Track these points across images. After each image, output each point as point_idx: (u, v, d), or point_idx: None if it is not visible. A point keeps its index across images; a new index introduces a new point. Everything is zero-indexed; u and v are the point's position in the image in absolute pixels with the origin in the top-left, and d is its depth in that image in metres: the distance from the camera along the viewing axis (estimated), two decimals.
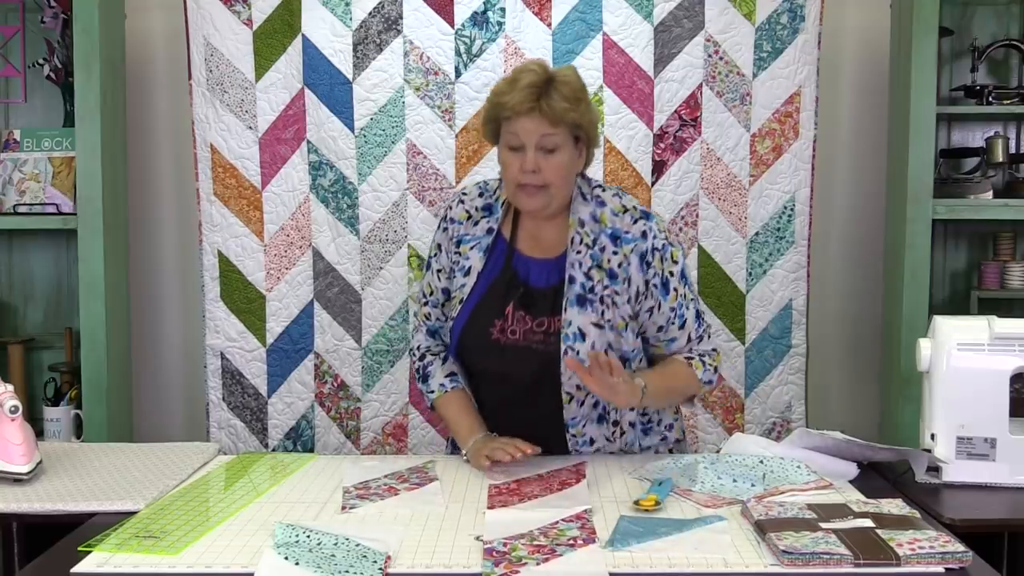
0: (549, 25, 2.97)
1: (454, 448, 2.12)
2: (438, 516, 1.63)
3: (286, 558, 1.41)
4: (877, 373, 3.24)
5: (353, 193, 3.01)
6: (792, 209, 3.01)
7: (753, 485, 1.75)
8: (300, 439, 3.07)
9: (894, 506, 1.61)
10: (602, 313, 1.91)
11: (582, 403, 1.96)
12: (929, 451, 1.87)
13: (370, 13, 2.98)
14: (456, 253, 2.03)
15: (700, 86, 2.98)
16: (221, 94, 3.02)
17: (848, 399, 3.33)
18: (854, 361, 3.33)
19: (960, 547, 1.43)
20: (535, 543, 1.47)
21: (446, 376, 2.06)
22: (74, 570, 1.42)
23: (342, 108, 3.00)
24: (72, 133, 3.02)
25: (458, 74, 2.98)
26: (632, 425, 2.05)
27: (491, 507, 1.66)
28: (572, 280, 1.92)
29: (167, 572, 1.41)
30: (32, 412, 3.10)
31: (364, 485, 1.81)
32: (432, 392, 2.06)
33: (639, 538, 1.50)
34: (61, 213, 3.07)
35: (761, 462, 1.82)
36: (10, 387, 1.86)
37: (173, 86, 3.24)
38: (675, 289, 1.95)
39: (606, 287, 1.92)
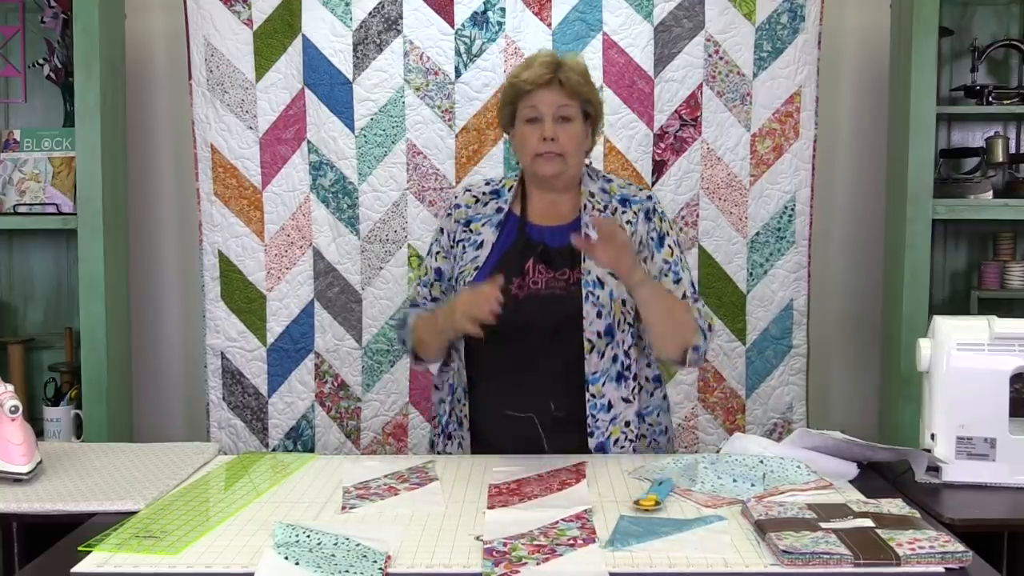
0: (549, 25, 2.97)
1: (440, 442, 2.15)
2: (438, 516, 1.63)
3: (286, 558, 1.41)
4: (877, 373, 3.24)
5: (353, 193, 3.02)
6: (792, 209, 3.01)
7: (753, 485, 1.75)
8: (300, 439, 3.07)
9: (894, 506, 1.61)
10: None
11: (602, 355, 2.01)
12: (929, 451, 1.87)
13: (370, 13, 2.98)
14: (466, 231, 2.11)
15: (700, 86, 2.98)
16: (221, 94, 3.02)
17: (848, 399, 3.32)
18: (854, 361, 3.33)
19: (960, 547, 1.43)
20: (535, 543, 1.47)
21: (423, 310, 2.15)
22: (74, 570, 1.41)
23: (342, 108, 3.00)
24: (72, 133, 3.02)
25: (458, 74, 2.98)
26: (657, 395, 2.13)
27: (491, 507, 1.66)
28: (588, 238, 2.00)
29: (167, 572, 1.41)
30: (32, 412, 3.09)
31: (364, 485, 1.81)
32: (407, 322, 2.14)
33: (639, 538, 1.50)
34: (61, 213, 3.07)
35: (761, 462, 1.82)
36: (10, 387, 1.86)
37: (173, 86, 3.24)
38: (670, 247, 2.09)
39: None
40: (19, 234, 3.27)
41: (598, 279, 2.01)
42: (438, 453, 2.13)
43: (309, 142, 3.03)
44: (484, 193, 2.15)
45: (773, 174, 3.00)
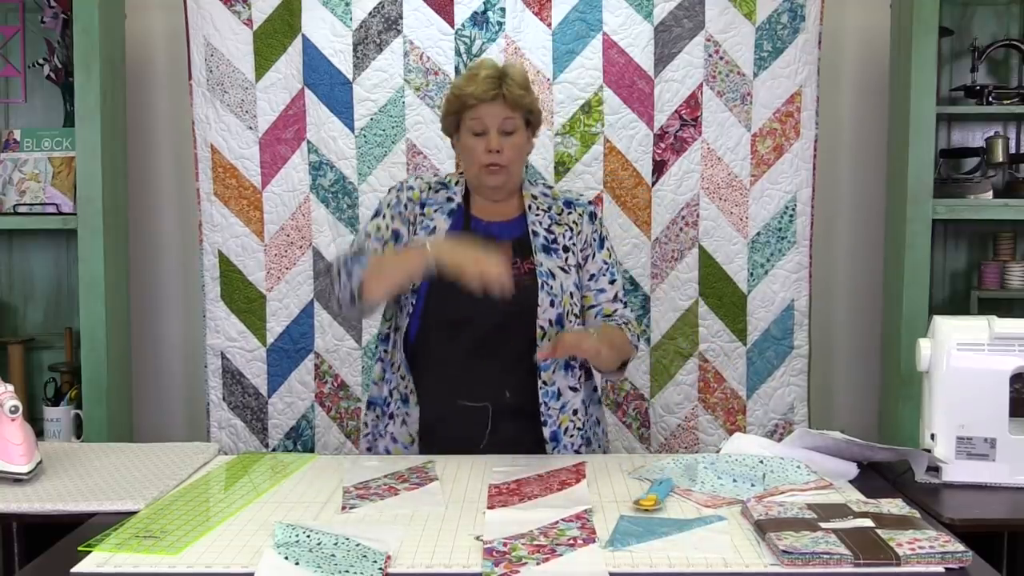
0: (549, 25, 2.97)
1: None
2: (438, 516, 1.63)
3: (286, 558, 1.41)
4: (877, 373, 3.24)
5: (353, 193, 3.02)
6: (793, 209, 3.01)
7: (753, 485, 1.75)
8: (300, 439, 3.07)
9: (894, 506, 1.61)
10: (566, 259, 2.11)
11: (551, 341, 2.05)
12: (929, 451, 1.87)
13: (370, 13, 2.98)
14: (420, 214, 2.13)
15: (700, 86, 2.98)
16: (221, 94, 3.02)
17: (848, 399, 3.32)
18: (854, 361, 3.32)
19: (960, 547, 1.43)
20: (535, 543, 1.47)
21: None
22: (74, 570, 1.41)
23: (342, 108, 3.00)
24: (72, 133, 3.02)
25: (458, 74, 2.98)
26: (587, 387, 2.18)
27: (491, 507, 1.66)
28: (535, 234, 2.11)
29: (167, 572, 1.41)
30: (32, 412, 3.09)
31: (364, 485, 1.81)
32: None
33: (639, 538, 1.50)
34: (61, 213, 3.07)
35: (761, 462, 1.82)
36: (10, 387, 1.86)
37: (173, 86, 3.24)
38: (608, 249, 2.20)
39: (568, 237, 2.14)
40: (19, 234, 3.27)
41: (549, 271, 2.07)
42: (379, 437, 2.13)
43: (309, 142, 3.03)
44: (433, 183, 2.19)
45: (774, 174, 3.00)
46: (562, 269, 2.09)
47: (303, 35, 2.99)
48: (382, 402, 2.15)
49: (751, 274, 3.02)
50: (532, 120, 2.14)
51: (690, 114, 2.99)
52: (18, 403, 1.83)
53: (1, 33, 3.25)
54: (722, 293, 3.03)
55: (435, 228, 2.11)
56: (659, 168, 2.99)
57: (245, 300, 3.06)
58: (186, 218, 3.24)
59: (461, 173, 2.20)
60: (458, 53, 2.98)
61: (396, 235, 2.13)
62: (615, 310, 2.15)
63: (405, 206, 2.14)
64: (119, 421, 3.04)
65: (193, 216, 3.11)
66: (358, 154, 3.00)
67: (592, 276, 2.16)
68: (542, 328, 2.04)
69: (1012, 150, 3.21)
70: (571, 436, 2.08)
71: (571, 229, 2.15)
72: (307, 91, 3.01)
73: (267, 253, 3.06)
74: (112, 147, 3.02)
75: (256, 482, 1.85)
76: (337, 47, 2.99)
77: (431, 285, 2.04)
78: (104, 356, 2.96)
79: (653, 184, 2.99)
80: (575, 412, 2.09)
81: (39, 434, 2.85)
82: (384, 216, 2.15)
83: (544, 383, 2.06)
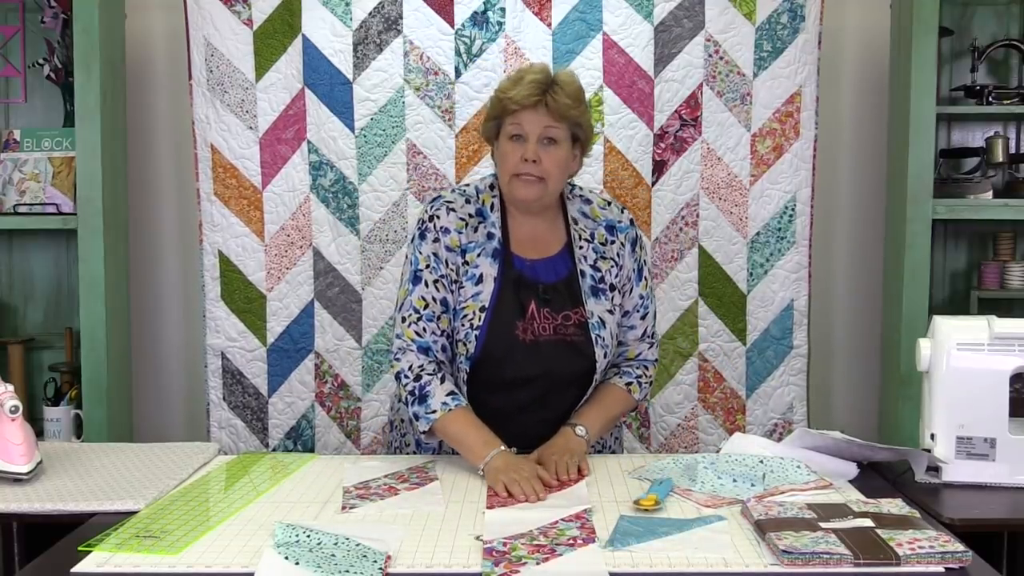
0: (549, 25, 2.97)
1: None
2: (438, 516, 1.63)
3: (286, 558, 1.41)
4: (877, 373, 3.24)
5: (353, 193, 3.02)
6: (793, 209, 3.01)
7: (753, 485, 1.75)
8: (300, 439, 3.07)
9: (894, 506, 1.61)
10: (611, 299, 2.01)
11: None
12: (929, 451, 1.87)
13: (370, 13, 2.98)
14: (463, 263, 1.97)
15: (700, 86, 2.98)
16: (221, 94, 3.02)
17: (848, 399, 3.32)
18: (854, 361, 3.32)
19: (960, 547, 1.43)
20: (535, 543, 1.47)
21: (447, 395, 1.92)
22: (74, 570, 1.42)
23: (342, 108, 3.00)
24: (72, 133, 3.02)
25: (458, 74, 2.98)
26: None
27: (491, 507, 1.66)
28: (583, 274, 1.99)
29: (167, 572, 1.41)
30: (32, 412, 3.09)
31: (364, 485, 1.81)
32: (434, 413, 1.90)
33: (639, 538, 1.50)
34: (61, 213, 3.07)
35: (761, 462, 1.82)
36: (10, 387, 1.86)
37: (173, 86, 3.24)
38: (645, 278, 2.08)
39: (613, 274, 2.02)
40: (19, 234, 3.27)
41: (600, 319, 1.98)
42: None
43: (309, 142, 3.03)
44: (470, 215, 1.99)
45: (773, 174, 3.00)
46: (609, 312, 1.99)
47: (303, 35, 2.99)
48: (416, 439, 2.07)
49: (751, 274, 3.02)
50: (580, 136, 1.98)
51: (690, 114, 2.99)
52: (18, 403, 1.83)
53: (1, 33, 3.25)
54: (722, 293, 3.03)
55: (482, 275, 1.96)
56: (659, 168, 2.99)
57: (245, 300, 3.06)
58: (186, 218, 3.24)
59: (491, 185, 2.04)
60: (458, 53, 2.98)
61: (445, 305, 1.97)
62: (638, 353, 2.08)
63: (446, 262, 1.97)
64: (119, 421, 3.04)
65: (193, 216, 3.11)
66: (358, 154, 3.00)
67: (626, 313, 2.04)
68: (596, 381, 2.01)
69: (1012, 150, 3.21)
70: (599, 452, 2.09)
71: (615, 263, 2.01)
72: (307, 91, 3.01)
73: (267, 253, 3.06)
74: (112, 147, 3.01)
75: (256, 482, 1.85)
76: (337, 47, 2.99)
77: (485, 345, 1.93)
78: (104, 356, 2.96)
79: (653, 184, 2.99)
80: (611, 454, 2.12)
81: (39, 434, 2.85)
82: (427, 284, 1.96)
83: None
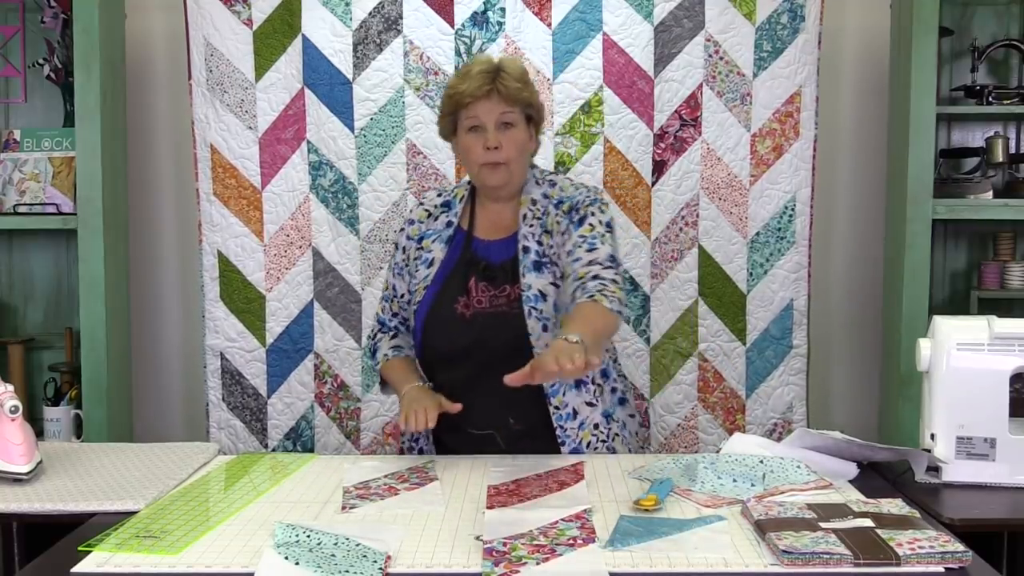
0: (549, 25, 2.97)
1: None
2: (438, 516, 1.63)
3: (286, 558, 1.41)
4: (877, 373, 3.24)
5: (353, 193, 3.01)
6: (793, 209, 3.01)
7: (753, 485, 1.75)
8: (300, 439, 3.07)
9: (894, 506, 1.61)
10: (554, 272, 2.03)
11: None
12: (929, 451, 1.87)
13: (370, 13, 2.98)
14: (418, 249, 2.14)
15: (700, 86, 2.98)
16: (221, 94, 3.02)
17: (848, 399, 3.33)
18: (854, 361, 3.32)
19: (960, 547, 1.43)
20: (535, 543, 1.47)
21: (391, 347, 2.19)
22: (74, 570, 1.41)
23: (342, 108, 3.00)
24: (72, 133, 3.02)
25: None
26: (606, 391, 2.11)
27: (491, 507, 1.66)
28: (526, 250, 2.05)
29: (167, 572, 1.41)
30: (32, 412, 3.09)
31: (364, 485, 1.81)
32: (378, 363, 2.20)
33: (639, 538, 1.50)
34: (61, 213, 3.07)
35: (761, 462, 1.82)
36: (10, 387, 1.86)
37: (173, 86, 3.24)
38: (591, 224, 2.02)
39: (550, 247, 2.05)
40: (19, 234, 3.27)
41: (539, 292, 2.01)
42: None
43: (309, 142, 3.03)
44: (436, 206, 2.18)
45: (773, 174, 3.00)
46: (552, 284, 2.02)
47: (303, 35, 2.99)
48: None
49: (750, 274, 3.02)
50: (533, 115, 2.09)
51: (690, 114, 2.99)
52: (18, 403, 1.83)
53: (1, 33, 3.25)
54: (722, 293, 3.03)
55: (432, 259, 2.11)
56: (659, 168, 2.99)
57: (244, 300, 3.06)
58: (186, 218, 3.24)
59: (468, 187, 2.18)
60: (458, 53, 2.98)
61: (395, 290, 2.20)
62: (589, 272, 1.93)
63: (404, 250, 2.17)
64: (119, 421, 3.04)
65: (193, 216, 3.11)
66: (358, 154, 3.00)
67: (569, 252, 2.00)
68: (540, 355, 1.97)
69: (1012, 150, 3.21)
70: (595, 449, 2.05)
71: (551, 234, 2.06)
72: (307, 91, 3.01)
73: (267, 253, 3.06)
74: (112, 147, 3.02)
75: (256, 482, 1.85)
76: (337, 47, 2.99)
77: (426, 320, 2.06)
78: (104, 356, 2.96)
79: (653, 184, 2.99)
80: (596, 426, 2.06)
81: (39, 434, 2.85)
82: (389, 268, 2.22)
83: (556, 407, 2.02)
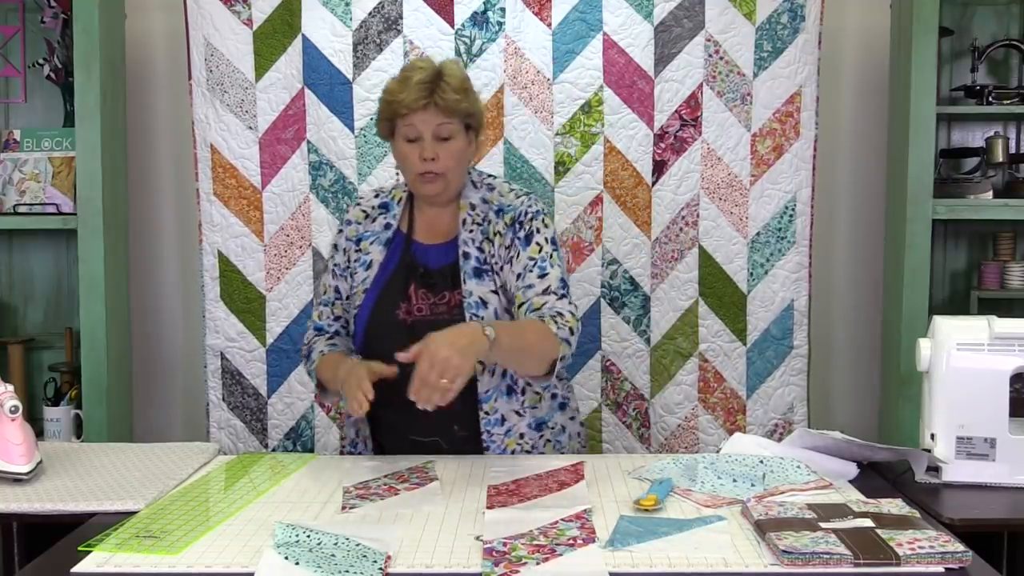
0: (549, 25, 2.97)
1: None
2: (438, 516, 1.63)
3: (286, 558, 1.41)
4: (877, 373, 3.24)
5: (353, 193, 3.01)
6: (793, 209, 3.01)
7: (753, 485, 1.75)
8: (300, 439, 3.07)
9: (894, 506, 1.61)
10: (495, 280, 2.02)
11: (493, 373, 2.02)
12: (929, 451, 1.87)
13: (370, 13, 2.98)
14: (357, 251, 2.12)
15: (700, 86, 2.98)
16: (221, 94, 3.02)
17: (848, 399, 3.33)
18: (854, 361, 3.32)
19: (960, 547, 1.43)
20: (535, 543, 1.47)
21: (327, 345, 2.14)
22: (74, 570, 1.42)
23: (342, 108, 3.00)
24: (72, 133, 3.02)
25: None
26: (546, 398, 2.09)
27: (490, 507, 1.66)
28: (467, 256, 2.03)
29: (167, 572, 1.41)
30: (32, 412, 3.09)
31: (364, 485, 1.81)
32: (313, 363, 2.13)
33: (639, 538, 1.50)
34: (61, 213, 3.07)
35: (761, 462, 1.82)
36: (10, 387, 1.86)
37: (173, 86, 3.24)
38: (539, 244, 2.02)
39: (492, 255, 2.04)
40: (19, 234, 3.27)
41: (480, 299, 2.00)
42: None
43: (309, 142, 3.03)
44: (374, 207, 2.15)
45: (773, 174, 3.00)
46: (493, 292, 2.01)
47: (303, 35, 2.99)
48: (352, 433, 2.18)
49: (751, 274, 3.02)
50: (472, 124, 2.05)
51: (690, 114, 2.99)
52: (18, 403, 1.83)
53: (1, 33, 3.25)
54: (722, 293, 3.03)
55: (371, 261, 2.09)
56: (659, 168, 2.99)
57: (245, 300, 3.06)
58: (186, 218, 3.24)
59: (407, 188, 2.14)
60: (458, 53, 2.98)
61: (338, 292, 2.16)
62: (544, 303, 1.96)
63: (344, 251, 2.15)
64: (119, 421, 3.04)
65: (193, 216, 3.11)
66: (358, 154, 3.00)
67: (519, 275, 2.01)
68: (481, 364, 1.96)
69: (1012, 150, 3.21)
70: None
71: (494, 243, 2.04)
72: (307, 91, 3.01)
73: (267, 253, 3.06)
74: (112, 147, 3.02)
75: (256, 482, 1.85)
76: (337, 47, 2.99)
77: (367, 327, 2.05)
78: (104, 356, 2.96)
79: (653, 184, 2.99)
80: (521, 436, 2.06)
81: (39, 434, 2.85)
82: (328, 271, 2.18)
83: (487, 413, 2.02)
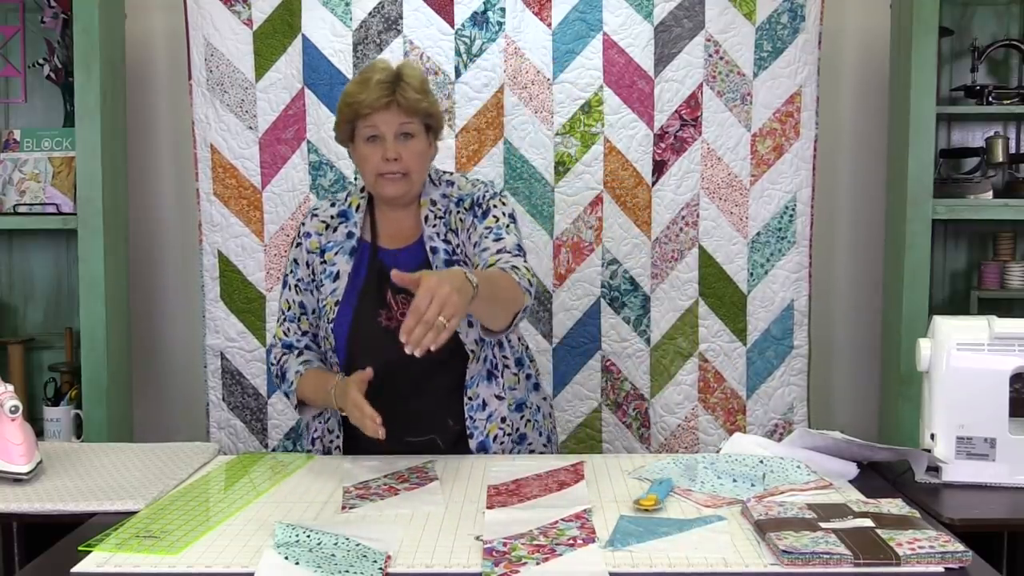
0: (549, 25, 2.97)
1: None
2: (438, 516, 1.63)
3: (286, 558, 1.41)
4: (877, 373, 3.24)
5: None
6: (793, 209, 3.01)
7: (753, 485, 1.75)
8: (300, 439, 3.07)
9: (894, 506, 1.61)
10: (465, 266, 2.01)
11: (479, 359, 2.03)
12: (929, 451, 1.87)
13: (370, 13, 2.98)
14: (321, 262, 2.08)
15: (700, 86, 2.98)
16: (221, 94, 3.02)
17: (848, 399, 3.33)
18: (854, 361, 3.33)
19: (960, 547, 1.43)
20: (535, 543, 1.47)
21: (300, 363, 2.08)
22: (74, 570, 1.41)
23: None
24: (72, 133, 3.02)
25: (458, 74, 2.98)
26: (521, 379, 2.10)
27: (490, 507, 1.66)
28: (435, 251, 2.03)
29: (167, 572, 1.41)
30: (32, 412, 3.10)
31: (364, 485, 1.81)
32: (292, 383, 2.07)
33: (639, 538, 1.50)
34: (61, 213, 3.07)
35: (761, 462, 1.82)
36: (10, 387, 1.86)
37: (173, 86, 3.24)
38: (495, 217, 2.02)
39: (460, 245, 2.04)
40: (19, 234, 3.27)
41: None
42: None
43: (309, 142, 3.03)
44: (332, 217, 2.11)
45: (774, 174, 3.00)
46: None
47: (303, 35, 2.99)
48: (320, 435, 2.12)
49: (751, 274, 3.02)
50: (432, 124, 2.05)
51: (690, 114, 2.99)
52: (18, 403, 1.83)
53: (1, 33, 3.25)
54: (722, 293, 3.03)
55: (338, 272, 2.05)
56: (659, 168, 2.99)
57: (245, 300, 3.06)
58: (186, 218, 3.24)
59: (363, 187, 2.12)
60: (458, 53, 2.98)
61: (303, 307, 2.12)
62: (499, 259, 1.95)
63: (306, 264, 2.10)
64: (119, 421, 3.04)
65: (193, 216, 3.11)
66: None
67: (475, 244, 2.01)
68: (472, 351, 1.99)
69: (1012, 150, 3.21)
70: (501, 443, 2.05)
71: (457, 232, 2.05)
72: (307, 91, 3.01)
73: (267, 253, 3.06)
74: (112, 147, 3.02)
75: (256, 482, 1.85)
76: (337, 47, 2.99)
77: (348, 338, 2.02)
78: (104, 356, 2.96)
79: (653, 184, 2.99)
80: (503, 419, 2.06)
81: (39, 434, 2.85)
82: (289, 287, 2.12)
83: (470, 398, 2.02)
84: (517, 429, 2.09)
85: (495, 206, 2.05)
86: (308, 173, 3.03)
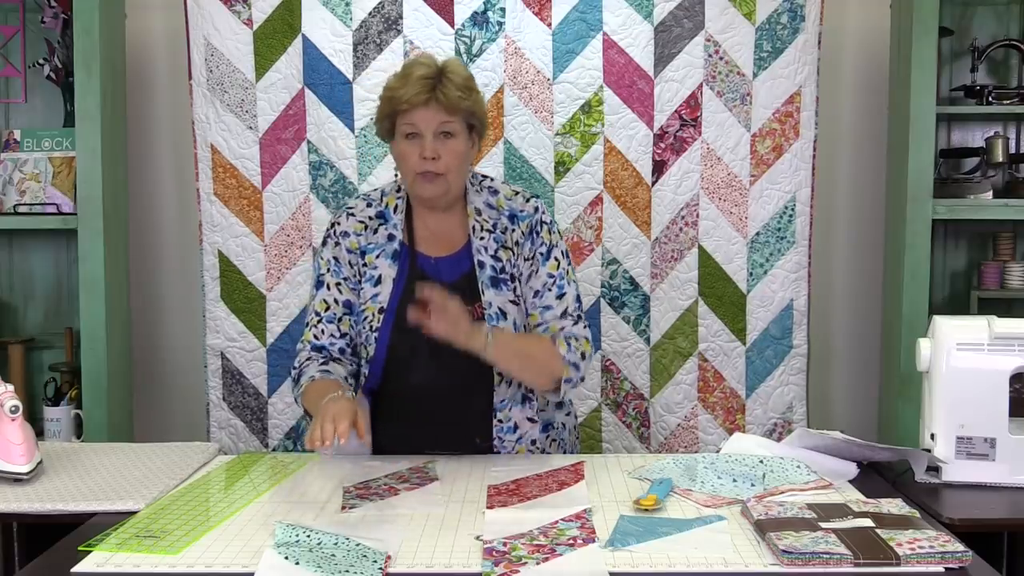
0: (549, 25, 2.97)
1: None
2: (438, 516, 1.63)
3: (286, 558, 1.41)
4: (877, 373, 3.24)
5: (353, 193, 3.01)
6: (793, 209, 3.01)
7: (753, 485, 1.75)
8: (300, 439, 3.07)
9: (894, 506, 1.61)
10: (514, 290, 1.99)
11: (510, 383, 2.00)
12: (929, 451, 1.87)
13: (370, 13, 2.98)
14: (363, 264, 2.02)
15: (700, 86, 2.98)
16: (221, 94, 3.02)
17: (848, 399, 3.32)
18: (854, 361, 3.32)
19: (960, 547, 1.43)
20: (535, 543, 1.47)
21: (319, 371, 1.97)
22: (74, 570, 1.42)
23: (342, 108, 3.00)
24: (72, 133, 3.02)
25: None
26: (550, 404, 2.09)
27: (491, 507, 1.66)
28: (482, 265, 1.98)
29: (167, 572, 1.41)
30: (32, 412, 3.09)
31: (364, 485, 1.81)
32: (301, 386, 1.97)
33: (639, 538, 1.50)
34: (61, 213, 3.07)
35: (761, 462, 1.82)
36: (10, 387, 1.86)
37: (173, 86, 3.24)
38: (556, 259, 2.02)
39: (513, 264, 2.00)
40: (19, 234, 3.27)
41: (500, 310, 1.96)
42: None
43: (309, 142, 3.03)
44: (370, 218, 2.04)
45: (773, 174, 3.00)
46: (512, 303, 1.98)
47: (303, 35, 2.99)
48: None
49: (751, 274, 3.02)
50: (475, 124, 1.98)
51: (690, 114, 2.99)
52: (18, 403, 1.83)
53: (1, 33, 3.25)
54: (722, 293, 3.03)
55: (380, 276, 1.99)
56: (659, 168, 2.99)
57: (245, 300, 3.06)
58: (186, 218, 3.24)
59: (398, 187, 2.07)
60: (458, 53, 2.98)
61: (349, 306, 2.04)
62: (562, 328, 1.98)
63: (349, 264, 2.02)
64: (119, 421, 3.04)
65: (193, 216, 3.11)
66: (358, 154, 3.00)
67: (536, 292, 1.99)
68: (499, 375, 1.97)
69: (1012, 150, 3.21)
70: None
71: (513, 251, 2.00)
72: (307, 91, 3.01)
73: (267, 253, 3.06)
74: (112, 147, 3.02)
75: (256, 482, 1.85)
76: (337, 47, 2.99)
77: (389, 349, 1.97)
78: (104, 356, 2.96)
79: (653, 184, 2.99)
80: (533, 442, 2.05)
81: (39, 434, 2.85)
82: (329, 287, 2.03)
83: (500, 421, 2.01)
84: (543, 449, 2.08)
85: (555, 244, 2.02)
86: (308, 173, 3.03)
